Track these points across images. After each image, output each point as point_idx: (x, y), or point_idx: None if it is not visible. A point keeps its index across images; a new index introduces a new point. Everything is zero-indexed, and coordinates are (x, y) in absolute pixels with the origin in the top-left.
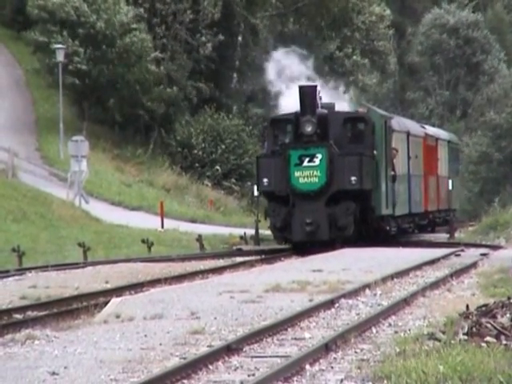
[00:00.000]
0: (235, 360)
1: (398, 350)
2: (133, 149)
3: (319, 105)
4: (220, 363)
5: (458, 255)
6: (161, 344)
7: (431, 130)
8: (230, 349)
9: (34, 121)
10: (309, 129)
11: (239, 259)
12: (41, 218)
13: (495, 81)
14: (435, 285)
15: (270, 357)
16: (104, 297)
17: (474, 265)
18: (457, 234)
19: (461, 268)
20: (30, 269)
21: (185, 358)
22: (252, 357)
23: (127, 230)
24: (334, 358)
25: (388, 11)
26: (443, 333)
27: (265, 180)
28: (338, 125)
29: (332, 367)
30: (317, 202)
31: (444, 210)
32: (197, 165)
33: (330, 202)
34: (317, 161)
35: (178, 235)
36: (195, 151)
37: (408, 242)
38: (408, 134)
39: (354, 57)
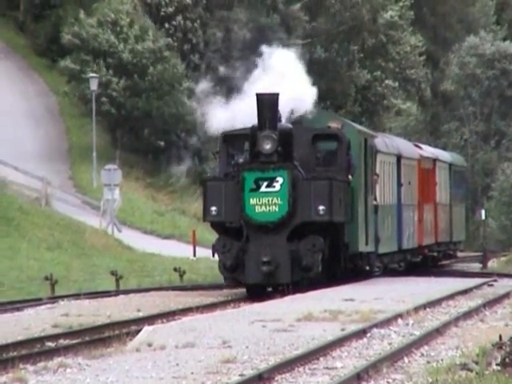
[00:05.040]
0: None
1: (430, 380)
2: (165, 177)
3: (281, 118)
4: None
5: (491, 285)
6: (192, 373)
7: (428, 150)
8: (262, 378)
9: (68, 149)
10: (267, 146)
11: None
12: (73, 246)
13: None
14: (468, 315)
15: None
16: (136, 325)
17: (507, 295)
18: (490, 264)
19: (494, 298)
20: (62, 297)
21: None
22: None
23: (159, 258)
24: None
25: (424, 45)
26: (476, 363)
27: (213, 208)
28: (306, 143)
29: None
30: (276, 237)
31: (444, 242)
32: None
33: (292, 237)
34: (277, 186)
35: (210, 264)
36: None
37: (440, 271)
38: (399, 156)
39: (386, 80)
